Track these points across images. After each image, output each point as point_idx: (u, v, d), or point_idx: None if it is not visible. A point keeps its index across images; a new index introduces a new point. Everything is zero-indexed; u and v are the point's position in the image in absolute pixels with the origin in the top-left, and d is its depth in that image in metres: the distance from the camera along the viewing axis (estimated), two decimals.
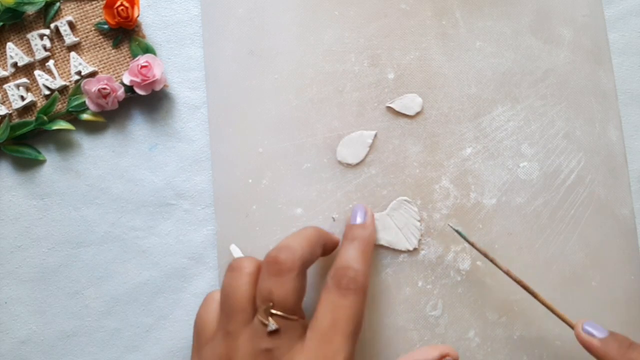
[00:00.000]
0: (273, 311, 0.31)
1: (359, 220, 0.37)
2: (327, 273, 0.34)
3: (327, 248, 0.36)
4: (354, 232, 0.36)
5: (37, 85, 0.40)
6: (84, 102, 0.40)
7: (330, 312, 0.32)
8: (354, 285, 0.32)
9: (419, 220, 0.39)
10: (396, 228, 0.38)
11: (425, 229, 0.39)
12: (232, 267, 0.34)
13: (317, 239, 0.35)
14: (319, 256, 0.35)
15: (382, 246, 0.38)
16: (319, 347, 0.31)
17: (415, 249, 0.38)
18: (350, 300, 0.32)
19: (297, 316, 0.32)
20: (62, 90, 0.40)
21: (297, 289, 0.32)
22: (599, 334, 0.33)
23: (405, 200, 0.39)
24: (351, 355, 0.31)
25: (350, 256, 0.34)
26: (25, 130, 0.40)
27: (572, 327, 0.35)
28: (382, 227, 0.38)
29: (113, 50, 0.40)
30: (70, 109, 0.40)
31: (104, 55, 0.40)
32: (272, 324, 0.31)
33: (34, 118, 0.40)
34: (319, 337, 0.31)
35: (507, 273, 0.36)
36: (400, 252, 0.38)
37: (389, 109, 0.40)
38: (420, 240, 0.38)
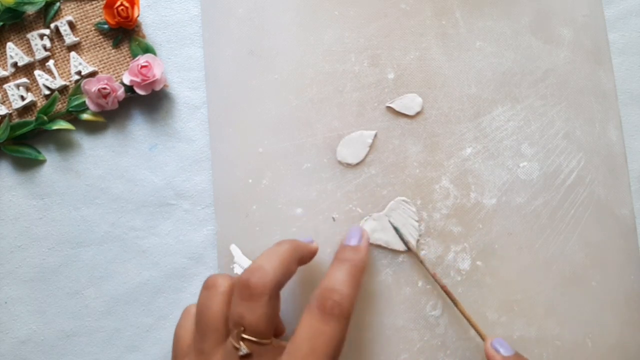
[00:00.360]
0: (244, 336, 0.31)
1: (353, 242, 0.36)
2: (312, 281, 0.33)
3: (303, 260, 0.35)
4: (345, 254, 0.35)
5: (37, 85, 0.40)
6: (84, 102, 0.40)
7: (310, 337, 0.31)
8: (338, 310, 0.31)
9: (417, 221, 0.39)
10: (394, 228, 0.38)
11: (425, 229, 0.39)
12: (207, 285, 0.33)
13: (291, 255, 0.34)
14: (294, 272, 0.34)
15: (380, 246, 0.38)
16: None
17: (413, 248, 0.38)
18: (332, 326, 0.31)
19: (269, 339, 0.31)
20: (62, 90, 0.40)
21: (269, 314, 0.31)
22: (504, 352, 0.35)
23: (404, 201, 0.39)
24: None
25: (337, 278, 0.33)
26: (25, 130, 0.40)
27: (483, 339, 0.36)
28: (381, 227, 0.38)
29: (113, 50, 0.40)
30: (70, 109, 0.40)
31: (104, 55, 0.40)
32: (244, 349, 0.30)
33: (34, 118, 0.40)
34: None
35: (434, 276, 0.37)
36: (400, 252, 0.38)
37: (389, 109, 0.40)
38: (418, 240, 0.38)
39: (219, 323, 0.32)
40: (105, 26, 0.40)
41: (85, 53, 0.40)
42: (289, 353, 0.30)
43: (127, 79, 0.39)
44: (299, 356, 0.30)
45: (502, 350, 0.35)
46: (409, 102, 0.40)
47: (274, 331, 0.32)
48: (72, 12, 0.40)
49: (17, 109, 0.40)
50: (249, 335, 0.31)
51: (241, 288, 0.31)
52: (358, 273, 0.34)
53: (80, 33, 0.40)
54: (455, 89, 0.40)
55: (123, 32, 0.40)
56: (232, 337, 0.31)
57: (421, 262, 0.37)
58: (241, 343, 0.31)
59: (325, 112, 0.40)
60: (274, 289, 0.32)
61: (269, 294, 0.31)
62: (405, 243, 0.37)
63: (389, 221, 0.38)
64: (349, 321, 0.32)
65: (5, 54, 0.40)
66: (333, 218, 0.39)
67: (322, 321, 0.31)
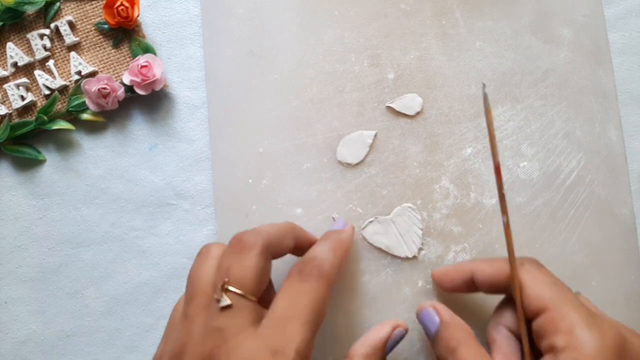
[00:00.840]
0: (229, 287, 0.30)
1: (336, 227, 0.37)
2: None
3: (301, 243, 0.35)
4: (328, 234, 0.35)
5: (37, 85, 0.40)
6: (84, 102, 0.40)
7: (288, 297, 0.30)
8: (317, 271, 0.31)
9: (421, 229, 0.39)
10: (398, 234, 0.38)
11: (425, 229, 0.39)
12: (200, 252, 0.33)
13: (288, 230, 0.34)
14: (289, 248, 0.34)
15: (381, 250, 0.38)
16: (272, 333, 0.29)
17: (414, 257, 0.38)
18: (311, 285, 0.31)
19: (255, 298, 0.30)
20: (62, 90, 0.40)
21: (257, 268, 0.30)
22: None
23: (410, 207, 0.39)
24: (307, 344, 0.29)
25: (318, 249, 0.33)
26: (25, 130, 0.40)
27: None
28: (384, 231, 0.38)
29: (113, 50, 0.40)
30: (70, 109, 0.40)
31: (104, 55, 0.40)
32: (225, 300, 0.29)
33: (34, 118, 0.40)
34: (273, 322, 0.29)
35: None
36: (398, 257, 0.38)
37: (389, 109, 0.40)
38: (421, 249, 0.38)
39: (207, 285, 0.31)
40: (105, 26, 0.40)
41: (85, 53, 0.40)
42: (268, 314, 0.30)
43: (127, 79, 0.39)
44: (277, 316, 0.30)
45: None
46: (409, 102, 0.40)
47: (266, 302, 0.32)
48: (72, 12, 0.40)
49: (17, 109, 0.40)
50: (233, 287, 0.30)
51: (233, 243, 0.32)
52: (339, 248, 0.34)
53: (80, 33, 0.40)
54: (455, 89, 0.40)
55: (123, 32, 0.40)
56: (216, 290, 0.30)
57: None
58: (223, 295, 0.30)
59: (325, 112, 0.40)
60: (265, 246, 0.31)
61: (259, 249, 0.31)
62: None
63: (394, 228, 0.38)
64: (330, 285, 0.31)
65: (5, 54, 0.40)
66: (333, 218, 0.39)
67: (300, 281, 0.31)
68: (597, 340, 0.29)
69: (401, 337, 0.35)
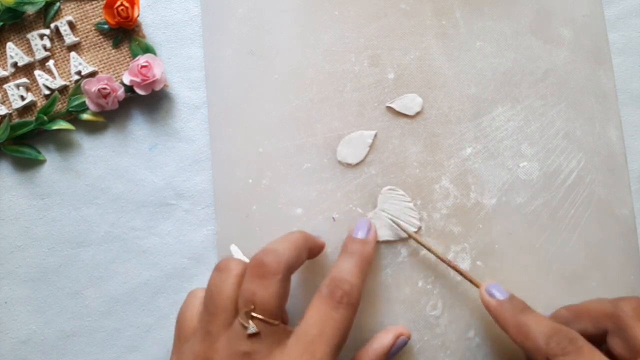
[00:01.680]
0: (254, 314, 0.31)
1: (360, 235, 0.36)
2: (314, 279, 0.33)
3: (312, 252, 0.36)
4: (354, 246, 0.36)
5: (37, 85, 0.40)
6: (84, 102, 0.40)
7: (320, 321, 0.31)
8: (347, 299, 0.32)
9: (409, 201, 0.39)
10: (393, 218, 0.38)
11: (425, 229, 0.39)
12: (219, 268, 0.33)
13: (303, 243, 0.34)
14: (304, 260, 0.35)
15: (388, 242, 0.38)
16: (301, 355, 0.30)
17: (419, 228, 0.38)
18: (340, 313, 0.32)
19: (278, 321, 0.31)
20: (62, 90, 0.40)
21: (280, 294, 0.31)
22: (499, 295, 0.34)
23: (390, 189, 0.39)
24: None
25: (347, 269, 0.34)
26: (25, 130, 0.40)
27: (478, 286, 0.36)
28: (380, 224, 0.38)
29: (113, 50, 0.40)
30: (70, 109, 0.40)
31: (104, 55, 0.40)
32: (252, 327, 0.30)
33: (34, 118, 0.40)
34: (303, 345, 0.31)
35: (439, 256, 0.37)
36: (402, 244, 0.38)
37: (389, 109, 0.40)
38: (420, 219, 0.38)
39: (229, 304, 0.32)
40: (105, 26, 0.40)
41: (85, 53, 0.40)
42: (298, 336, 0.31)
43: (127, 79, 0.39)
44: (307, 339, 0.31)
45: (497, 295, 0.34)
46: (409, 102, 0.40)
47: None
48: (72, 12, 0.40)
49: (17, 109, 0.40)
50: (258, 313, 0.31)
51: (254, 267, 0.32)
52: (365, 265, 0.35)
53: (80, 33, 0.40)
54: (455, 89, 0.40)
55: (123, 32, 0.40)
56: (241, 316, 0.31)
57: (424, 246, 0.37)
58: (250, 321, 0.31)
59: (325, 112, 0.40)
60: (287, 269, 0.32)
61: (282, 274, 0.32)
62: (406, 231, 0.37)
63: (386, 216, 0.38)
64: (356, 310, 0.33)
65: (5, 54, 0.40)
66: (333, 218, 0.39)
67: (332, 308, 0.32)
68: None
69: (404, 345, 0.36)
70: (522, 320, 0.32)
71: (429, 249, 0.37)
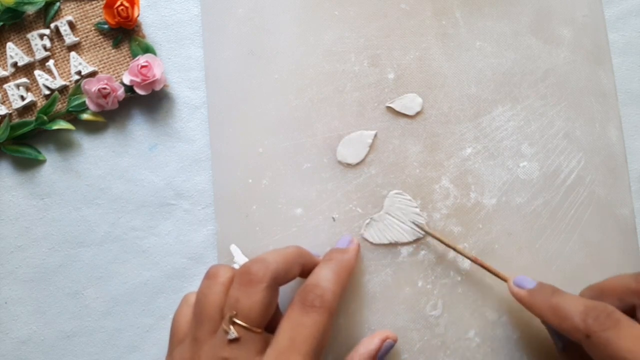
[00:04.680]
0: (236, 320, 0.31)
1: (340, 245, 0.37)
2: None
3: (306, 269, 0.35)
4: (332, 254, 0.36)
5: (37, 85, 0.40)
6: (84, 102, 0.40)
7: (290, 329, 0.31)
8: (319, 302, 0.31)
9: (416, 206, 0.39)
10: (398, 222, 0.38)
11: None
12: (208, 275, 0.34)
13: (295, 257, 0.34)
14: (295, 276, 0.34)
15: (392, 244, 0.38)
16: None
17: (425, 235, 0.38)
18: (312, 318, 0.31)
19: (261, 329, 0.31)
20: (62, 90, 0.40)
21: (265, 302, 0.31)
22: (528, 285, 0.34)
23: (397, 193, 0.39)
24: None
25: (322, 275, 0.33)
26: (25, 130, 0.40)
27: (506, 281, 0.36)
28: (384, 226, 0.38)
29: (113, 50, 0.40)
30: (70, 109, 0.40)
31: (104, 55, 0.40)
32: (233, 333, 0.30)
33: (34, 118, 0.40)
34: (276, 355, 0.30)
35: (457, 250, 0.37)
36: (403, 246, 0.38)
37: (389, 109, 0.40)
38: (428, 223, 0.38)
39: (215, 311, 0.32)
40: (105, 26, 0.40)
41: (85, 53, 0.40)
42: (271, 345, 0.31)
43: (127, 79, 0.39)
44: (279, 348, 0.30)
45: (525, 284, 0.34)
46: (409, 102, 0.40)
47: (271, 328, 0.32)
48: (72, 12, 0.40)
49: (17, 109, 0.40)
50: (240, 320, 0.31)
51: (241, 274, 0.32)
52: (343, 271, 0.34)
53: (80, 33, 0.40)
54: (455, 89, 0.40)
55: (123, 32, 0.40)
56: (224, 321, 0.31)
57: (440, 240, 0.37)
58: (231, 327, 0.31)
59: (325, 112, 0.40)
60: (273, 279, 0.32)
61: (267, 282, 0.31)
62: (421, 227, 0.38)
63: (392, 218, 0.38)
64: (331, 315, 0.32)
65: (5, 54, 0.40)
66: (333, 218, 0.39)
67: (302, 313, 0.31)
68: None
69: (390, 348, 0.36)
70: (556, 303, 0.32)
71: (451, 247, 0.37)
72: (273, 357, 0.30)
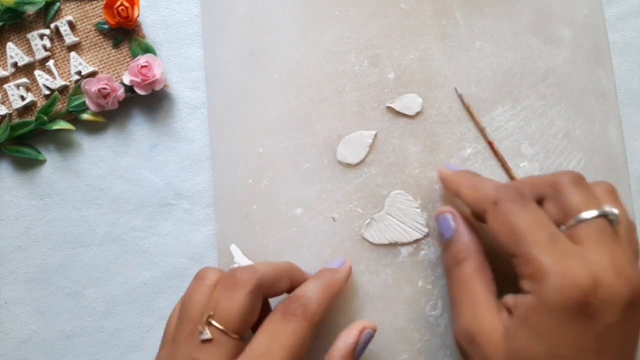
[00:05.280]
0: (212, 321, 0.30)
1: (333, 265, 0.36)
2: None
3: (296, 285, 0.34)
4: (322, 272, 0.35)
5: (37, 85, 0.40)
6: (84, 102, 0.40)
7: (267, 336, 0.30)
8: (300, 311, 0.31)
9: (417, 207, 0.39)
10: (399, 222, 0.38)
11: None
12: (196, 276, 0.33)
13: (285, 271, 0.34)
14: (284, 289, 0.34)
15: (388, 246, 0.38)
16: None
17: (427, 234, 0.38)
18: (293, 326, 0.30)
19: (237, 335, 0.30)
20: (62, 90, 0.40)
21: (245, 307, 0.31)
22: (456, 169, 0.37)
23: (399, 193, 0.39)
24: None
25: (308, 287, 0.33)
26: (25, 130, 0.40)
27: (512, 178, 0.37)
28: (385, 226, 0.38)
29: (113, 50, 0.40)
30: (70, 109, 0.40)
31: (104, 55, 0.40)
32: (206, 333, 0.30)
33: (34, 118, 0.40)
34: None
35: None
36: (403, 246, 0.38)
37: (389, 109, 0.40)
38: (427, 224, 0.38)
39: (197, 313, 0.31)
40: (105, 26, 0.40)
41: (85, 53, 0.40)
42: (246, 352, 0.30)
43: (127, 79, 0.39)
44: (253, 355, 0.30)
45: (454, 168, 0.37)
46: (409, 102, 0.40)
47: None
48: (72, 12, 0.40)
49: (17, 109, 0.40)
50: (217, 321, 0.30)
51: (226, 277, 0.32)
52: (331, 288, 0.34)
53: (80, 33, 0.40)
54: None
55: (123, 32, 0.40)
56: (201, 322, 0.31)
57: (471, 113, 0.38)
58: (207, 328, 0.30)
59: (325, 112, 0.40)
60: (257, 285, 0.31)
61: (250, 288, 0.31)
62: (461, 97, 0.39)
63: (393, 218, 0.38)
64: (312, 326, 0.31)
65: (5, 54, 0.40)
66: (333, 218, 0.39)
67: (282, 320, 0.31)
68: (556, 292, 0.28)
69: (370, 337, 0.34)
70: (476, 180, 0.34)
71: (477, 123, 0.38)
72: None
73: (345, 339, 0.33)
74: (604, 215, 0.30)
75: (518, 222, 0.30)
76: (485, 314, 0.31)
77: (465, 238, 0.34)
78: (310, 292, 0.32)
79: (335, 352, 0.33)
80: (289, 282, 0.34)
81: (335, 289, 0.34)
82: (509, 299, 0.31)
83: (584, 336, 0.28)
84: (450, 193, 0.36)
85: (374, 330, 0.34)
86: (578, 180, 0.32)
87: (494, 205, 0.32)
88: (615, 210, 0.31)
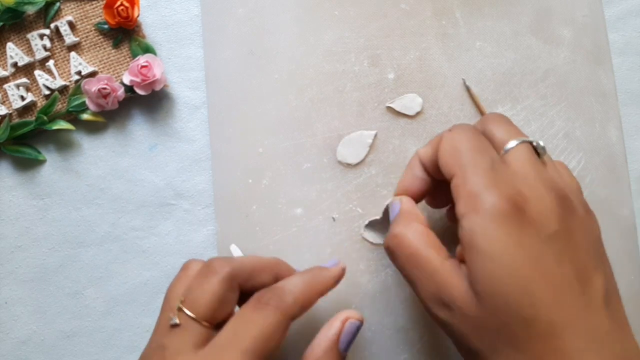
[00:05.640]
0: (182, 307, 0.30)
1: (326, 265, 0.34)
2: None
3: (279, 277, 0.33)
4: (311, 269, 0.33)
5: (37, 85, 0.40)
6: (84, 102, 0.40)
7: (235, 324, 0.29)
8: (275, 302, 0.30)
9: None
10: None
11: None
12: (182, 268, 0.33)
13: (269, 265, 0.33)
14: (266, 283, 0.32)
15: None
16: (209, 358, 0.28)
17: None
18: (265, 316, 0.29)
19: (208, 324, 0.30)
20: (62, 90, 0.40)
21: (216, 295, 0.30)
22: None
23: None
24: None
25: (290, 281, 0.31)
26: (25, 130, 0.40)
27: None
28: (385, 226, 0.38)
29: (113, 50, 0.40)
30: (70, 109, 0.40)
31: (104, 55, 0.40)
32: (174, 319, 0.29)
33: (34, 118, 0.40)
34: (213, 348, 0.29)
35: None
36: None
37: (389, 109, 0.40)
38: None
39: (174, 301, 0.31)
40: (105, 26, 0.40)
41: (85, 53, 0.40)
42: (213, 340, 0.29)
43: (127, 79, 0.39)
44: (220, 342, 0.29)
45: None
46: (409, 102, 0.40)
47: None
48: (72, 12, 0.40)
49: (17, 109, 0.40)
50: (187, 308, 0.30)
51: (203, 266, 0.32)
52: (315, 285, 0.32)
53: (80, 33, 0.40)
54: (455, 89, 0.40)
55: (123, 32, 0.40)
56: (172, 308, 0.30)
57: (476, 103, 0.38)
58: (176, 313, 0.30)
59: (325, 112, 0.40)
60: (231, 274, 0.31)
61: (223, 275, 0.30)
62: (467, 87, 0.39)
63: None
64: (286, 318, 0.30)
65: (5, 54, 0.40)
66: (333, 218, 0.39)
67: (253, 310, 0.30)
68: (492, 204, 0.27)
69: (357, 329, 0.32)
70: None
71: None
72: (210, 351, 0.29)
73: (327, 332, 0.31)
74: (528, 142, 0.31)
75: (464, 144, 0.30)
76: (448, 277, 0.29)
77: (407, 213, 0.32)
78: (291, 285, 0.31)
79: (316, 346, 0.31)
80: (272, 276, 0.32)
81: (320, 287, 0.32)
82: (458, 248, 0.29)
83: (535, 245, 0.27)
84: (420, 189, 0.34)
85: (360, 321, 0.32)
86: (501, 118, 0.33)
87: (447, 132, 0.31)
88: (541, 143, 0.31)
